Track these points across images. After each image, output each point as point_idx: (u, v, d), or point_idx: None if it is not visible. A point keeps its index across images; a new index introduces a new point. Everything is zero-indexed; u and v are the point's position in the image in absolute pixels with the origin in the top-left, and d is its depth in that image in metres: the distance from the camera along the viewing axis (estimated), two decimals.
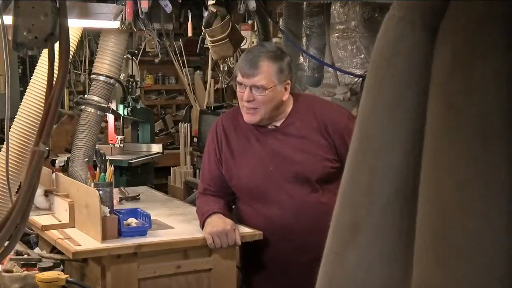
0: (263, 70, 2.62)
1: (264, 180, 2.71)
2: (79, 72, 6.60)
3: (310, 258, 2.63)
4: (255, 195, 2.75)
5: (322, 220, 2.95)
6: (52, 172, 3.21)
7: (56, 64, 1.88)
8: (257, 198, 2.74)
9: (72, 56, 5.84)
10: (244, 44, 4.23)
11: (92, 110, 3.64)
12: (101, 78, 3.65)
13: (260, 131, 2.76)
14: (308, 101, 2.87)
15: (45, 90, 1.92)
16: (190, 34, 3.91)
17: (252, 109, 2.66)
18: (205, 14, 3.77)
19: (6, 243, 1.95)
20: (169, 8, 3.30)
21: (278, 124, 2.75)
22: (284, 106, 2.74)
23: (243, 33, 4.34)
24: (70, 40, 1.96)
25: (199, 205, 2.82)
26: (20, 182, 2.68)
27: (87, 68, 6.34)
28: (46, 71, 1.93)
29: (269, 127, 2.76)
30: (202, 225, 2.71)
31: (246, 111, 2.68)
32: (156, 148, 5.32)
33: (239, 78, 2.67)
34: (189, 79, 6.71)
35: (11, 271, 2.19)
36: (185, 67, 6.52)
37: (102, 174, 2.86)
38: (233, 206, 2.95)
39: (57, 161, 4.38)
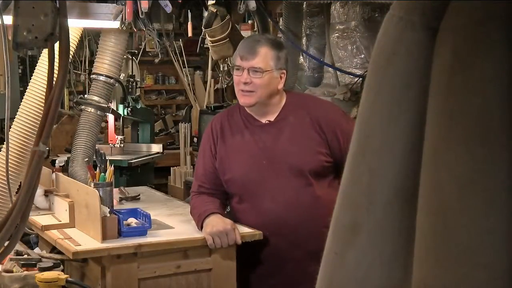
0: (261, 54, 2.67)
1: (258, 173, 2.72)
2: (79, 72, 6.61)
3: (303, 253, 2.64)
4: (249, 189, 2.75)
5: (315, 214, 2.91)
6: (52, 172, 3.21)
7: (56, 64, 1.89)
8: (251, 192, 2.75)
9: (72, 56, 5.85)
10: None
11: (92, 110, 3.64)
12: (101, 78, 3.65)
13: (254, 126, 2.78)
14: (301, 97, 2.95)
15: (45, 90, 1.93)
16: (190, 34, 3.91)
17: (248, 92, 2.68)
18: (205, 14, 3.77)
19: (6, 243, 1.95)
20: (169, 8, 3.30)
21: (272, 118, 2.77)
22: (278, 97, 2.77)
23: (243, 33, 4.34)
24: (70, 40, 1.96)
25: (195, 205, 2.82)
26: (20, 182, 2.68)
27: (87, 68, 6.35)
28: (46, 71, 1.93)
29: (263, 121, 2.78)
30: (200, 226, 2.71)
31: (242, 94, 2.70)
32: (156, 148, 5.32)
33: (238, 61, 2.70)
34: (189, 79, 6.72)
35: (11, 271, 2.19)
36: (185, 67, 6.53)
37: (102, 174, 2.86)
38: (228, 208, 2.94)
39: (57, 161, 4.38)
